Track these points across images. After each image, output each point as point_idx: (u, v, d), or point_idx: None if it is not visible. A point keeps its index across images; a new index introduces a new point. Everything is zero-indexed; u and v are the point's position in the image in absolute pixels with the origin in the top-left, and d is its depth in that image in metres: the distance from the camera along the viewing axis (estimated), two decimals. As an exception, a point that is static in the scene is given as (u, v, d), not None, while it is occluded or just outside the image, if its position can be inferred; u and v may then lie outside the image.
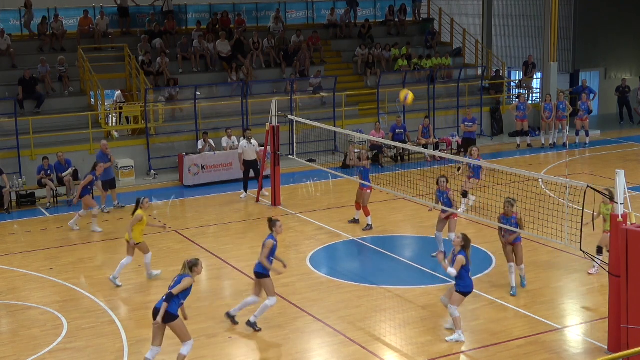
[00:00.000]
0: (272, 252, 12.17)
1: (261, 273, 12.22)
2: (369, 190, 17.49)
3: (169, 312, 10.48)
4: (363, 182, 17.41)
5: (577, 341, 11.90)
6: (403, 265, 15.30)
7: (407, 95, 17.55)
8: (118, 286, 14.36)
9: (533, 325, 12.28)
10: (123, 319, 12.95)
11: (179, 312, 10.72)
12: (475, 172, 18.33)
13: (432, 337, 12.03)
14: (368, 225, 17.59)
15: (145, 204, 14.53)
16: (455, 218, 15.24)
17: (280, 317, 12.87)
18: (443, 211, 15.09)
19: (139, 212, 14.36)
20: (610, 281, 11.19)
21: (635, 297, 10.71)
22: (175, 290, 10.53)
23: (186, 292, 10.71)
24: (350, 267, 15.58)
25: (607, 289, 11.40)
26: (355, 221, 18.00)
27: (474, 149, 18.48)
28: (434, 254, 15.37)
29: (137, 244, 14.40)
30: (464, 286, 11.65)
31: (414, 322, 12.58)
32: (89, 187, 18.00)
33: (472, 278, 14.24)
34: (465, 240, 11.66)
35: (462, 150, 24.27)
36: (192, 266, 10.79)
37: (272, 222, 12.40)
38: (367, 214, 17.62)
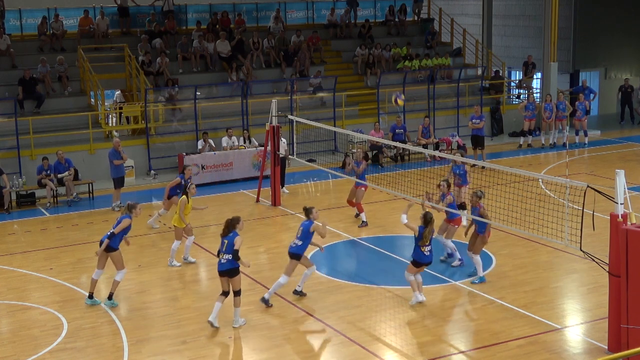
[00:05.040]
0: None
1: (296, 254, 13.14)
2: (363, 189, 17.81)
3: (111, 246, 13.11)
4: (359, 180, 17.74)
5: (577, 341, 11.90)
6: (403, 265, 15.24)
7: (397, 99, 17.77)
8: (175, 266, 15.47)
9: (533, 325, 12.28)
10: (123, 319, 12.95)
11: (120, 245, 13.26)
12: (463, 179, 17.34)
13: (432, 337, 12.03)
14: (363, 222, 17.88)
15: (192, 189, 15.38)
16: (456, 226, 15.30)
17: (280, 317, 12.87)
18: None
19: (183, 196, 15.23)
20: (610, 281, 11.18)
21: (635, 297, 10.71)
22: (116, 231, 13.10)
23: (126, 230, 13.24)
24: (350, 267, 15.58)
25: (607, 289, 11.39)
26: (358, 216, 18.30)
27: (457, 153, 17.92)
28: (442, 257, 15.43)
29: (181, 227, 15.33)
30: None
31: (414, 322, 12.58)
32: (178, 190, 17.16)
33: (472, 278, 14.34)
34: None
35: (474, 147, 23.92)
36: (131, 208, 13.34)
37: (308, 210, 13.46)
38: (360, 210, 17.87)
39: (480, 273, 14.26)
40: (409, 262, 13.28)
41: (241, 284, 12.37)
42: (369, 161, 24.14)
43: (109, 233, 13.27)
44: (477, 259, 14.21)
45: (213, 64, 27.11)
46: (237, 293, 12.26)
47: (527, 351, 11.41)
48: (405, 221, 13.44)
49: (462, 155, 17.33)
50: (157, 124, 24.40)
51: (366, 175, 18.08)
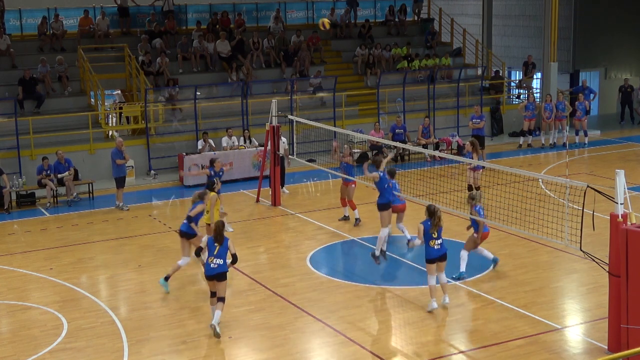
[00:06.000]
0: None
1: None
2: (353, 185, 17.87)
3: (190, 233, 13.85)
4: (347, 177, 17.77)
5: (577, 341, 11.90)
6: (403, 265, 15.30)
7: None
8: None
9: (533, 325, 12.28)
10: (123, 319, 12.95)
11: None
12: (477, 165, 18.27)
13: (432, 337, 12.03)
14: (357, 219, 17.89)
15: (217, 184, 15.82)
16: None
17: (280, 317, 12.87)
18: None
19: (214, 193, 15.24)
20: (610, 281, 11.18)
21: (635, 297, 10.71)
22: (192, 214, 13.91)
23: (200, 214, 14.09)
24: (350, 267, 15.58)
25: (607, 289, 11.39)
26: (345, 218, 18.20)
27: (467, 143, 18.72)
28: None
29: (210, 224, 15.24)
30: None
31: (414, 322, 12.57)
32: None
33: (472, 278, 14.34)
34: None
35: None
36: (202, 195, 14.12)
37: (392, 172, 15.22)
38: (353, 207, 17.96)
39: (462, 268, 14.29)
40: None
41: (226, 290, 12.19)
42: (369, 161, 24.15)
43: (186, 221, 13.94)
44: (463, 254, 14.33)
45: (213, 64, 27.11)
46: (221, 299, 12.08)
47: (527, 351, 11.41)
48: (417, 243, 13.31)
49: (472, 145, 18.35)
50: (157, 124, 24.40)
51: (365, 175, 18.03)
